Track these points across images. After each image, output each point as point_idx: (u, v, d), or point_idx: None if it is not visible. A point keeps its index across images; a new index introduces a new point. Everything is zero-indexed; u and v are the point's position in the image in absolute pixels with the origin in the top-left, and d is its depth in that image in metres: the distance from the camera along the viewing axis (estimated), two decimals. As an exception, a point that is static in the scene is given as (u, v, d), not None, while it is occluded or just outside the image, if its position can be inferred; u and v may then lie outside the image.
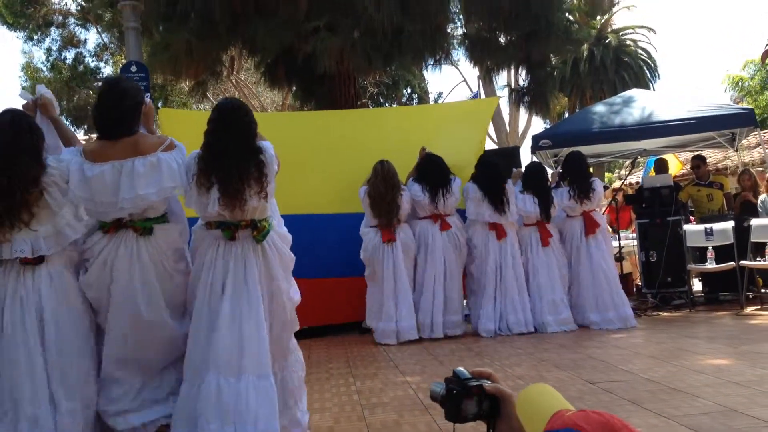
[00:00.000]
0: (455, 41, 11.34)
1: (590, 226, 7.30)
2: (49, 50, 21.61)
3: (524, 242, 7.33)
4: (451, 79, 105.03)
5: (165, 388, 3.44)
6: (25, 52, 26.11)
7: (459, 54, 11.54)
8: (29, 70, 21.86)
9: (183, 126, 6.31)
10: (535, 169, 7.59)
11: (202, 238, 3.45)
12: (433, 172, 7.04)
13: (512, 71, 15.82)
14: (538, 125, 24.00)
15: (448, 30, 10.91)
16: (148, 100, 3.62)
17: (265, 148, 3.38)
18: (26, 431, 3.02)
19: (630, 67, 26.44)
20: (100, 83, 21.74)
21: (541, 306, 7.07)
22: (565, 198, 7.36)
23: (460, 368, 1.54)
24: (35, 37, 21.18)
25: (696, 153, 10.58)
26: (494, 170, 7.14)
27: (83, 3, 19.32)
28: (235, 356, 3.18)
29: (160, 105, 19.04)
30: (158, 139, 3.40)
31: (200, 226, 3.49)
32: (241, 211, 3.31)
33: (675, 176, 10.81)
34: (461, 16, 11.78)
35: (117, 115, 3.35)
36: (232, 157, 3.28)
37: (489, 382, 1.51)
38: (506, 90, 18.84)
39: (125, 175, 3.24)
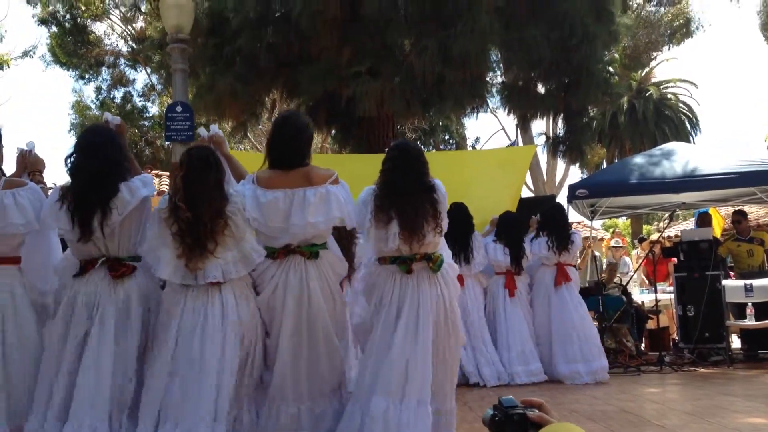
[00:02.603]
0: (494, 89, 11.45)
1: (560, 277, 7.25)
2: (99, 89, 22.35)
3: (493, 292, 7.29)
4: (489, 126, 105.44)
5: (327, 420, 3.53)
6: (76, 91, 27.04)
7: (496, 102, 11.61)
8: (79, 107, 22.56)
9: None
10: (509, 218, 7.46)
11: (377, 274, 3.66)
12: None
13: (550, 120, 15.85)
14: (576, 175, 23.96)
15: (488, 78, 11.02)
16: None
17: (438, 186, 3.61)
18: None
19: (671, 121, 26.26)
20: (146, 122, 22.38)
21: (510, 356, 6.96)
22: (543, 248, 7.30)
23: (507, 396, 1.56)
24: (86, 76, 21.92)
25: (737, 208, 10.44)
26: (460, 219, 7.02)
27: (134, 45, 20.00)
28: (401, 381, 3.35)
29: (202, 144, 19.40)
30: (326, 172, 3.60)
31: (373, 262, 3.70)
32: (418, 246, 3.52)
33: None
34: (501, 65, 11.91)
35: (294, 147, 3.58)
36: (410, 195, 3.52)
37: (536, 411, 1.51)
38: (542, 138, 18.85)
39: (297, 203, 3.45)
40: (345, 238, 6.79)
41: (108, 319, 3.31)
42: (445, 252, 3.74)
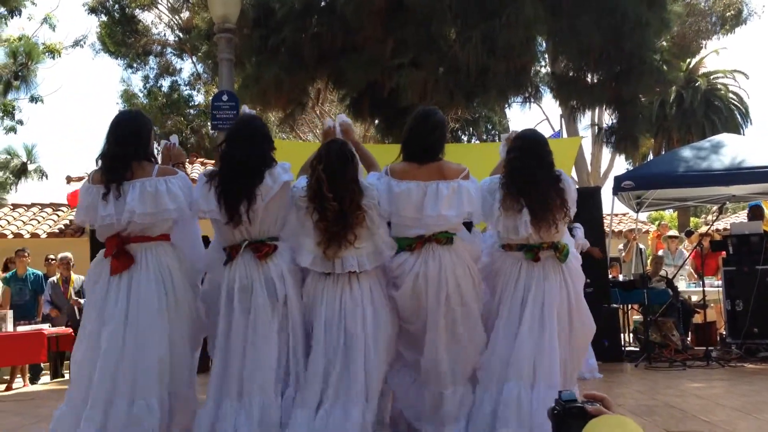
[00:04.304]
0: (539, 80, 11.33)
1: None
2: (146, 78, 22.73)
3: None
4: (533, 117, 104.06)
5: (464, 404, 3.67)
6: (124, 80, 27.57)
7: (542, 92, 11.50)
8: (127, 95, 23.00)
9: None
10: None
11: (503, 260, 3.76)
12: None
13: (597, 111, 15.61)
14: (621, 166, 23.55)
15: (534, 69, 10.93)
16: None
17: (563, 175, 3.72)
18: (341, 417, 3.35)
19: (720, 111, 25.64)
20: (191, 110, 22.71)
21: None
22: None
23: (567, 391, 1.58)
24: (134, 65, 22.32)
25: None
26: None
27: (181, 35, 20.30)
28: (530, 368, 3.48)
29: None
30: (458, 167, 3.71)
31: (497, 249, 3.80)
32: (547, 234, 3.61)
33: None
34: (546, 56, 11.78)
35: (430, 143, 3.71)
36: (540, 183, 3.60)
37: (596, 405, 1.52)
38: (590, 129, 18.59)
39: (430, 195, 3.57)
40: None
41: (263, 299, 3.49)
42: (568, 241, 3.80)
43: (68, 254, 9.76)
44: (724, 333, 8.68)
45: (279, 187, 3.53)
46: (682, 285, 10.19)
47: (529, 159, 3.66)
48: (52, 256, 10.19)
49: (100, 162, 3.59)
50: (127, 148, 3.53)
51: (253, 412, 3.36)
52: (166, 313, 3.47)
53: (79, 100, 45.33)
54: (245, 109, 3.96)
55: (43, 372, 9.64)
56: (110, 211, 3.44)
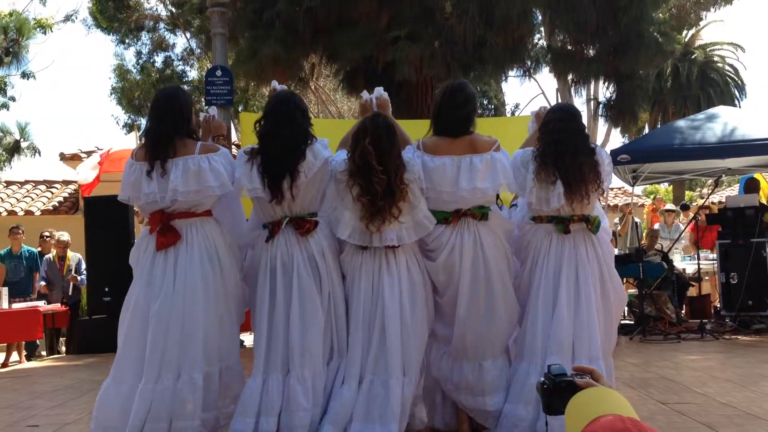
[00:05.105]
0: (536, 53, 11.23)
1: None
2: (139, 53, 22.47)
3: None
4: (529, 91, 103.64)
5: (503, 376, 3.70)
6: (117, 55, 27.32)
7: (540, 66, 11.39)
8: (120, 71, 22.77)
9: None
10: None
11: (533, 232, 3.75)
12: None
13: (593, 84, 15.51)
14: (617, 140, 23.60)
15: (531, 42, 10.83)
16: None
17: (598, 149, 3.73)
18: (382, 394, 3.41)
19: (716, 84, 25.56)
20: (185, 86, 22.50)
21: None
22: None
23: (557, 364, 1.57)
24: (126, 40, 22.06)
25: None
26: None
27: (173, 9, 20.05)
28: (569, 341, 3.51)
29: (240, 109, 19.54)
30: (489, 139, 3.73)
31: (527, 221, 3.79)
32: (579, 206, 3.62)
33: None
34: (542, 29, 11.68)
35: (462, 117, 3.72)
36: (575, 155, 3.60)
37: (586, 378, 1.52)
38: (587, 103, 18.49)
39: (464, 169, 3.59)
40: None
41: (304, 275, 3.52)
42: (600, 214, 3.82)
43: (66, 235, 9.73)
44: (719, 306, 8.73)
45: (321, 163, 3.55)
46: (677, 258, 10.22)
47: (565, 131, 3.66)
48: (46, 233, 10.16)
49: (143, 139, 3.62)
50: (168, 125, 3.54)
51: (307, 382, 3.42)
52: (213, 289, 3.50)
53: (71, 76, 44.89)
54: (275, 84, 3.93)
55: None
56: (153, 189, 3.48)
